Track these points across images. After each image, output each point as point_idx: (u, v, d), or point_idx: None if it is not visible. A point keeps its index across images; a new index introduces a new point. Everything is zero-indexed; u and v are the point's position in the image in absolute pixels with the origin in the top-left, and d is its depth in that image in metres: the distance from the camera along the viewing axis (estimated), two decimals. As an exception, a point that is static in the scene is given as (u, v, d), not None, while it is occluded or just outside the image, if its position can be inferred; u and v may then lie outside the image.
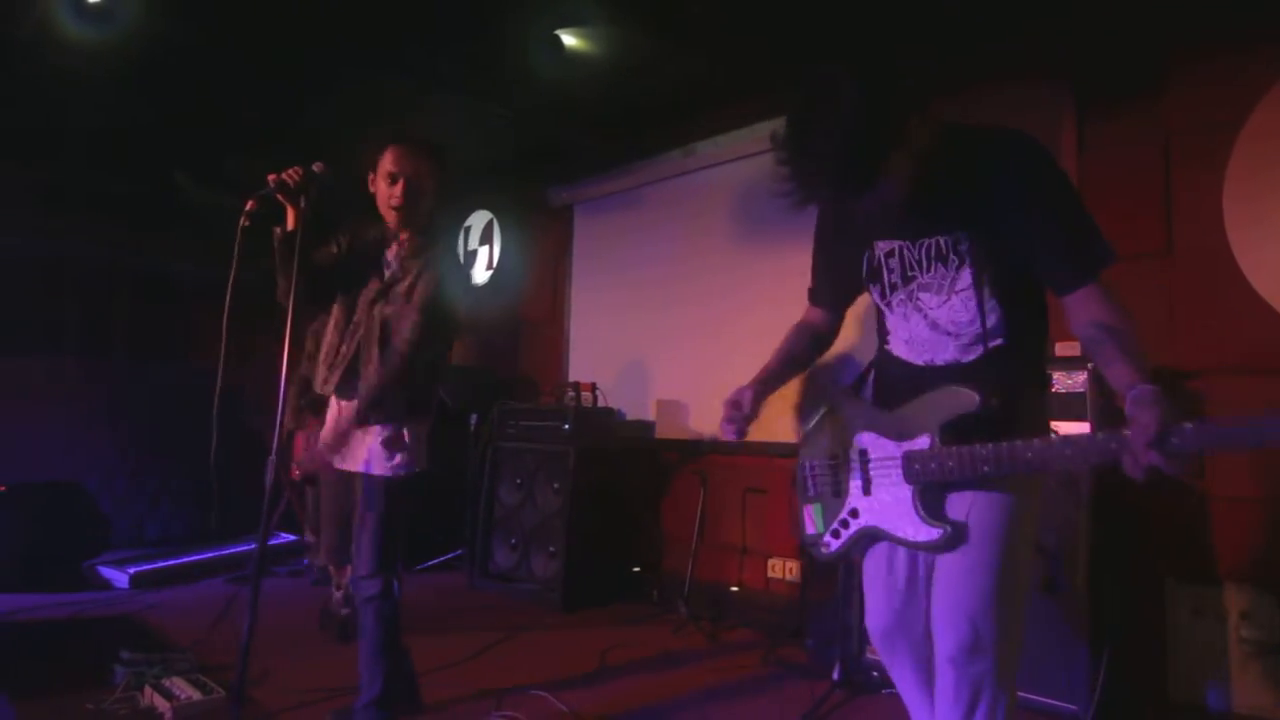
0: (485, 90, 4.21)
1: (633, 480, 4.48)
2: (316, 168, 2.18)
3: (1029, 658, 2.39)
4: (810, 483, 1.70)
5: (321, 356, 2.51)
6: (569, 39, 3.64)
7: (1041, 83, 3.22)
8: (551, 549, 4.19)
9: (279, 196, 2.14)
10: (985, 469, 1.39)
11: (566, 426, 4.27)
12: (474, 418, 4.86)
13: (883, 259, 1.58)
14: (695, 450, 4.32)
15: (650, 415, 4.59)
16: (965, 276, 1.47)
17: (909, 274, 1.54)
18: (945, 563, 1.49)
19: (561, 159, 5.17)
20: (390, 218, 2.45)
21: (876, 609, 1.68)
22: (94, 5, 2.73)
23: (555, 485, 4.25)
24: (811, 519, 1.70)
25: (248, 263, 1.97)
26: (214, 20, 3.51)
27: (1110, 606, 2.59)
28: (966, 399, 1.44)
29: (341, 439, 2.40)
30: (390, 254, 2.51)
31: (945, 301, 1.50)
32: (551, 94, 4.16)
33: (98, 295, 6.42)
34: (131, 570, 4.39)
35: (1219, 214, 2.80)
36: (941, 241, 1.48)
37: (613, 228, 5.01)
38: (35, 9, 2.82)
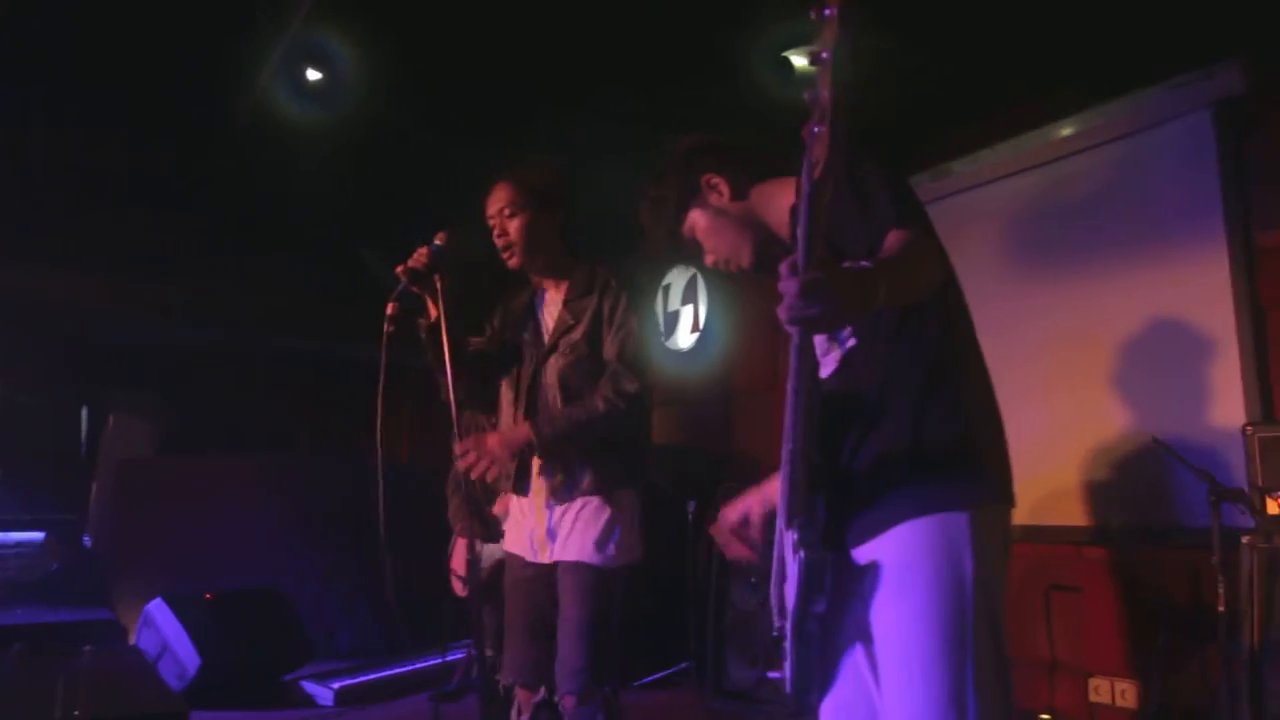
0: (695, 129, 4.26)
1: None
2: (438, 240, 2.20)
3: None
4: None
5: None
6: (800, 60, 3.60)
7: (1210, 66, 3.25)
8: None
9: (413, 288, 2.18)
10: None
11: (812, 513, 4.07)
12: (692, 504, 4.78)
13: None
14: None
15: (910, 495, 4.32)
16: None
17: None
18: None
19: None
20: (514, 266, 2.45)
21: None
22: (314, 85, 3.02)
23: (802, 585, 4.05)
24: None
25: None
26: (412, 87, 3.81)
27: None
28: None
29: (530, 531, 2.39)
30: (544, 311, 2.51)
31: None
32: (773, 125, 4.15)
33: (280, 384, 7.04)
34: (335, 685, 4.59)
35: None
36: None
37: (842, 274, 4.86)
38: (256, 88, 3.15)
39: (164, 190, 5.05)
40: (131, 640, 4.69)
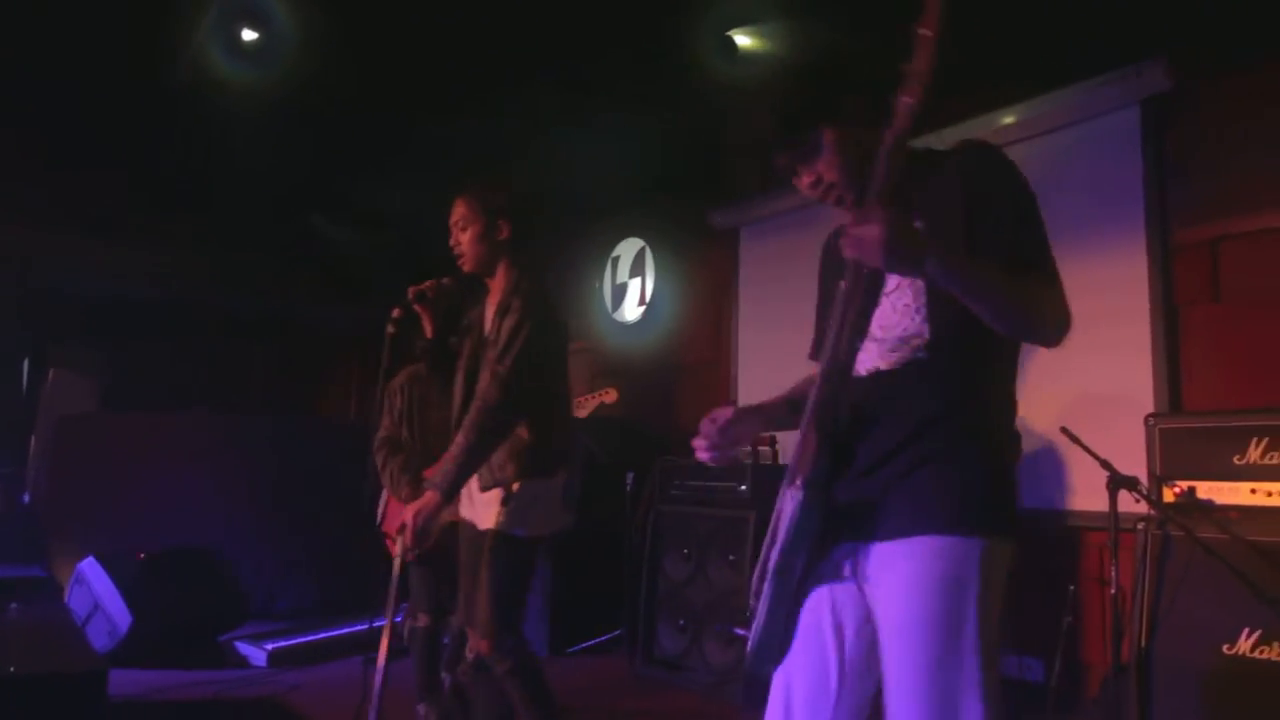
0: (644, 100, 4.26)
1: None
2: (446, 281, 2.74)
3: None
4: None
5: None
6: (743, 40, 3.63)
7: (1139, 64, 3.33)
8: (728, 634, 4.07)
9: (416, 307, 2.68)
10: None
11: (743, 488, 4.16)
12: (630, 477, 4.85)
13: None
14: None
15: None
16: (892, 277, 1.57)
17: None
18: None
19: (724, 176, 5.15)
20: (465, 270, 2.76)
21: None
22: (248, 45, 2.99)
23: (731, 557, 4.13)
24: None
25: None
26: (361, 49, 3.78)
27: None
28: None
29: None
30: (486, 314, 2.75)
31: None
32: (717, 103, 4.17)
33: (225, 344, 6.98)
34: (269, 646, 4.62)
35: None
36: None
37: (786, 253, 4.91)
38: (190, 50, 3.11)
39: (114, 148, 4.96)
40: (65, 598, 4.68)
